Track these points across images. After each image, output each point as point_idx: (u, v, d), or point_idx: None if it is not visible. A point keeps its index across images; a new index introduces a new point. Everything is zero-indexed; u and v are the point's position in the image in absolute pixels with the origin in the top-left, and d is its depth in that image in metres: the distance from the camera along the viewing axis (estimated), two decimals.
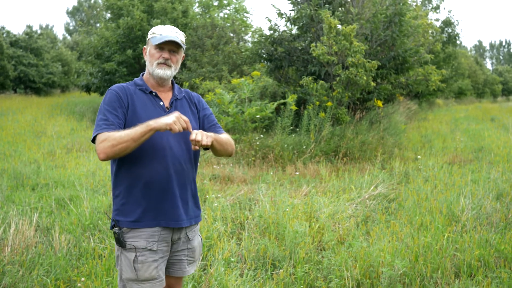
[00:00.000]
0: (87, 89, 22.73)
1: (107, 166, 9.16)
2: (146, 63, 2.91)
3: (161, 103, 2.86)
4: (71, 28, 79.42)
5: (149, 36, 2.90)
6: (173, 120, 2.55)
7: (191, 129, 2.62)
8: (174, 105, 2.90)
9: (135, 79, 2.96)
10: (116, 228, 2.76)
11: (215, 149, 2.85)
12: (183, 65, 17.79)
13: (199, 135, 2.61)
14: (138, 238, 2.74)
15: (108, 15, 23.91)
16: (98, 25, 38.58)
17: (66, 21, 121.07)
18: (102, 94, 21.88)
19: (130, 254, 2.73)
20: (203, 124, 3.02)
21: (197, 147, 2.67)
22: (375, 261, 4.53)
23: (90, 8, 67.75)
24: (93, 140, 2.67)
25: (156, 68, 2.83)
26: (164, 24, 19.76)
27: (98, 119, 2.71)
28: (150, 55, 2.87)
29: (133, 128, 2.58)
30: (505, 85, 67.16)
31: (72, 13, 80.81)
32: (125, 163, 2.77)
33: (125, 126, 2.73)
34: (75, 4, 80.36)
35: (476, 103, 46.54)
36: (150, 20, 20.49)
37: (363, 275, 4.39)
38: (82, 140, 12.76)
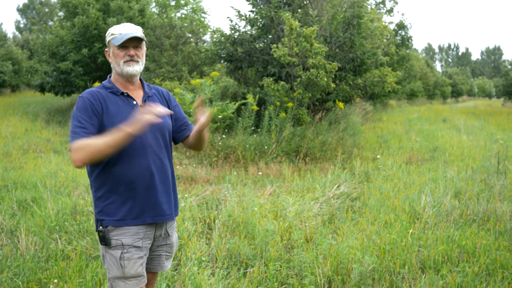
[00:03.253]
0: (42, 88, 22.14)
1: (68, 167, 8.98)
2: (112, 65, 2.87)
3: (134, 102, 2.85)
4: (21, 26, 77.25)
5: (108, 38, 2.86)
6: (145, 117, 2.56)
7: (162, 111, 2.63)
8: (147, 103, 2.90)
9: (103, 82, 2.91)
10: (100, 227, 2.75)
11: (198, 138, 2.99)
12: None
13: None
14: (123, 235, 2.75)
15: (62, 14, 23.33)
16: (51, 23, 37.62)
17: (16, 18, 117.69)
18: (57, 94, 21.35)
19: (116, 251, 2.74)
20: (174, 121, 3.05)
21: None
22: (345, 258, 4.64)
23: (42, 5, 66.00)
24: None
25: (125, 66, 2.80)
26: (121, 23, 19.52)
27: (73, 126, 2.67)
28: (114, 56, 2.84)
29: (110, 135, 2.56)
30: (454, 87, 69.25)
31: (22, 11, 78.60)
32: (106, 165, 2.75)
33: (101, 131, 2.71)
34: (26, 1, 78.10)
35: (428, 104, 47.89)
36: (106, 19, 20.15)
37: (333, 271, 4.49)
38: (38, 140, 12.46)
